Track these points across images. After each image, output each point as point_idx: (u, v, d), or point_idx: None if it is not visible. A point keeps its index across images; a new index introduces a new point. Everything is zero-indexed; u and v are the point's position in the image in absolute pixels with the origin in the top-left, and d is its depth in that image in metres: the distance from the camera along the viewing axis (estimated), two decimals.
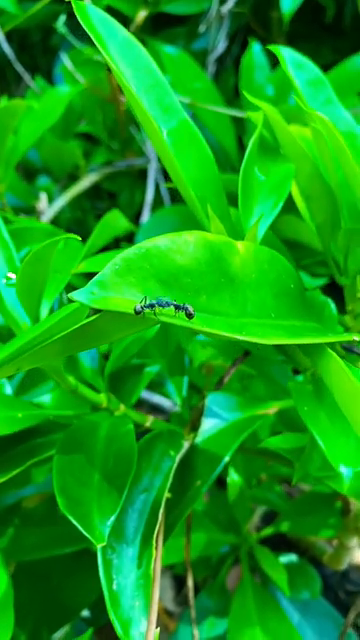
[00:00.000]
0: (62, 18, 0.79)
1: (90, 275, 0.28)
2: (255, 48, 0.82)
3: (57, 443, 0.40)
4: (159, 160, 0.87)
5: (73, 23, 0.87)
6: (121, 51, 0.36)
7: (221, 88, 0.91)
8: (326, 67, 0.67)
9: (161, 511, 0.39)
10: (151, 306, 0.26)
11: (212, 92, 0.81)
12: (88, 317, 0.29)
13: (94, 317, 0.26)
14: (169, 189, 0.87)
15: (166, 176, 0.88)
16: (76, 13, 0.35)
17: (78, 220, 0.94)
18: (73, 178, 0.88)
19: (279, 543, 0.73)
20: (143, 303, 0.26)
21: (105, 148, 0.88)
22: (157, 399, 0.81)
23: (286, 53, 0.45)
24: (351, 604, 0.73)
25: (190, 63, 0.81)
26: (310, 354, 0.32)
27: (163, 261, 0.28)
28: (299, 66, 0.44)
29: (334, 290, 0.50)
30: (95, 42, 0.35)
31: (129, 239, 0.78)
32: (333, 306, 0.43)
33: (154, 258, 0.27)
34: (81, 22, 0.35)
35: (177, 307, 0.26)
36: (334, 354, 0.28)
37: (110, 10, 0.84)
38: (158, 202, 0.88)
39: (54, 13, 0.96)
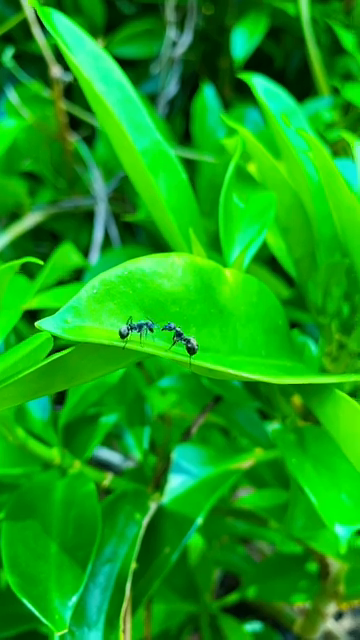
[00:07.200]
0: (9, 52, 0.76)
1: None
2: (207, 91, 0.81)
3: (4, 508, 0.34)
4: (109, 201, 0.83)
5: (19, 60, 0.84)
6: (89, 62, 0.33)
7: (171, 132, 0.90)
8: None
9: (128, 585, 0.33)
10: (139, 328, 0.21)
11: (165, 133, 0.79)
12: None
13: (67, 351, 0.22)
14: (120, 230, 0.83)
15: (116, 218, 0.84)
16: (41, 19, 0.31)
17: None
18: (16, 217, 0.83)
19: (239, 609, 0.68)
20: (129, 324, 0.21)
21: (51, 187, 0.84)
22: (105, 454, 0.75)
23: (258, 82, 0.42)
24: None
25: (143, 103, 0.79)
26: (308, 397, 0.28)
27: (148, 286, 0.23)
28: (272, 96, 0.42)
29: None
30: (62, 51, 0.31)
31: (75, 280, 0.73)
32: (314, 347, 0.39)
33: (138, 282, 0.23)
34: (48, 29, 0.31)
35: (179, 335, 0.22)
36: (347, 397, 0.24)
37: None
38: (106, 244, 0.85)
39: None
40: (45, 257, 0.92)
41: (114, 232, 0.83)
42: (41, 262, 0.27)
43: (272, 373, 0.26)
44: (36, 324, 0.20)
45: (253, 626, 0.61)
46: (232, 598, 0.57)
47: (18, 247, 0.88)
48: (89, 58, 0.33)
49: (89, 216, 0.87)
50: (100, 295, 0.22)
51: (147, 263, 0.24)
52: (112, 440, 0.71)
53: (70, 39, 0.33)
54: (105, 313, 0.22)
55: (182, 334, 0.22)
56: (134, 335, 0.22)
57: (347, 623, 0.72)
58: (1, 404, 0.22)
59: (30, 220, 0.81)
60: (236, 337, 0.27)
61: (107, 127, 0.31)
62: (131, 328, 0.21)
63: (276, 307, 0.31)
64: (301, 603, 0.53)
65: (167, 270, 0.24)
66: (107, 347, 0.22)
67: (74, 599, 0.29)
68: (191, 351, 0.22)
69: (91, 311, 0.22)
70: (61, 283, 0.60)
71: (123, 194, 0.86)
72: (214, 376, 0.24)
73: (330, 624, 0.64)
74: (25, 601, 0.28)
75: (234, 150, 0.37)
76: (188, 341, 0.22)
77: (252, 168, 0.40)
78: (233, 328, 0.27)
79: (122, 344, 0.21)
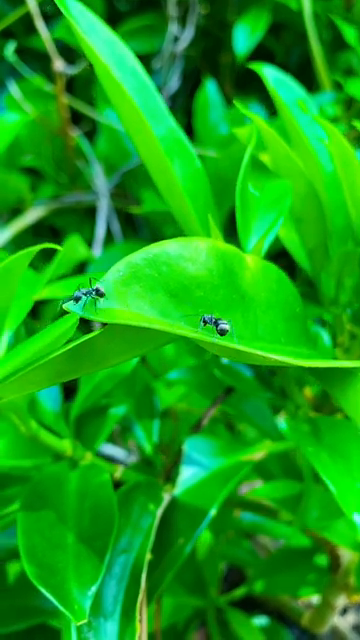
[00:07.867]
0: (11, 46, 0.76)
1: None
2: (209, 86, 0.81)
3: (18, 499, 0.34)
4: (111, 196, 0.83)
5: (21, 55, 0.83)
6: (103, 47, 0.32)
7: None
8: (275, 113, 0.66)
9: (143, 576, 0.33)
10: (88, 292, 0.21)
11: None
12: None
13: (95, 333, 0.21)
14: (122, 226, 0.83)
15: (118, 213, 0.84)
16: (56, 3, 0.31)
17: None
18: (17, 213, 0.82)
19: (244, 603, 0.67)
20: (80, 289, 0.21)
21: (52, 182, 0.83)
22: (109, 449, 0.75)
23: (268, 71, 0.42)
24: None
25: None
26: (330, 384, 0.28)
27: (173, 269, 0.23)
28: (282, 85, 0.42)
29: None
30: (77, 35, 0.31)
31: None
32: (327, 337, 0.39)
33: (163, 265, 0.23)
34: (63, 12, 0.31)
35: (208, 320, 0.22)
36: None
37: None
38: (108, 239, 0.84)
39: None
40: (47, 252, 0.91)
41: (116, 227, 0.83)
42: (58, 247, 0.27)
43: (296, 358, 0.26)
44: (64, 306, 0.20)
45: (260, 620, 0.60)
46: (239, 592, 0.57)
47: (19, 243, 0.87)
48: (103, 43, 0.33)
49: (91, 211, 0.87)
50: (126, 278, 0.22)
51: (172, 246, 0.23)
52: (115, 436, 0.71)
53: (84, 23, 0.33)
54: (132, 296, 0.22)
55: (211, 316, 0.22)
56: (159, 320, 0.22)
57: (351, 618, 0.72)
58: (27, 387, 0.22)
59: (32, 215, 0.80)
60: (257, 323, 0.27)
61: (123, 112, 0.31)
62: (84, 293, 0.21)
63: (294, 295, 0.31)
64: (308, 597, 0.53)
65: (191, 254, 0.24)
66: (133, 331, 0.22)
67: (93, 589, 0.28)
68: (222, 333, 0.22)
69: (118, 294, 0.21)
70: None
71: (125, 190, 0.86)
72: (240, 359, 0.23)
73: (335, 619, 0.64)
74: (43, 590, 0.27)
75: (248, 139, 0.36)
76: (217, 324, 0.22)
77: (265, 158, 0.40)
78: (254, 314, 0.27)
79: (150, 326, 0.21)
